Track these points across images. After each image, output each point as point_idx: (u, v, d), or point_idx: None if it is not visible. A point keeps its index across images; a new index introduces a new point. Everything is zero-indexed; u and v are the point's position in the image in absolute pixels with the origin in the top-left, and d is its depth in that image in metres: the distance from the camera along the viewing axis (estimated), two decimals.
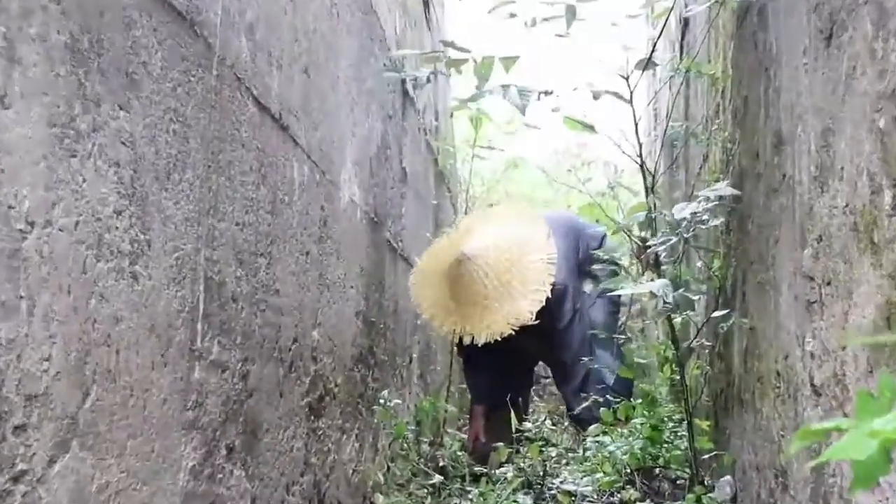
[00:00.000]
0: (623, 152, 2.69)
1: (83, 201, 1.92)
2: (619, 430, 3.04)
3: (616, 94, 2.64)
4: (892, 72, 1.29)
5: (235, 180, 2.71)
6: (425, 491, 3.52)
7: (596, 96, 2.65)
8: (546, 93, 2.93)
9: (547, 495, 2.73)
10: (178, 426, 2.31)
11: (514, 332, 4.39)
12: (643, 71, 2.74)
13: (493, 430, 4.70)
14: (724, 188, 2.42)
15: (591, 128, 2.87)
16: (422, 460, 3.85)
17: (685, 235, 2.47)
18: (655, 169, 2.83)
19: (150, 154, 2.21)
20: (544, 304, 4.38)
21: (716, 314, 2.53)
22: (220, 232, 2.56)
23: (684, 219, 2.43)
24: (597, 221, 4.34)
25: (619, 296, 4.70)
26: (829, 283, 1.63)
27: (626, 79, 2.67)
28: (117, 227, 2.04)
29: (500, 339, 4.44)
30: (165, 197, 2.27)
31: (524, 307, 4.35)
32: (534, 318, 4.34)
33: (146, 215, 2.19)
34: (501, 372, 5.07)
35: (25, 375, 1.73)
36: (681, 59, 3.45)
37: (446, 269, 4.59)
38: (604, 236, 4.79)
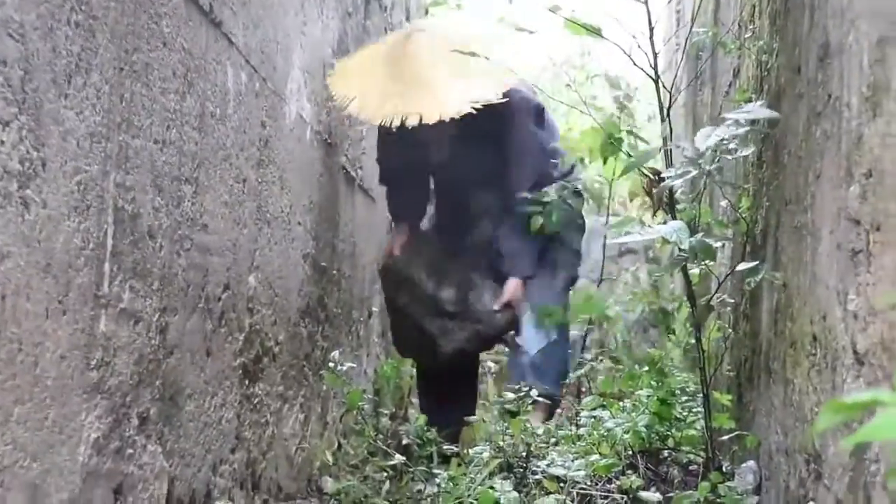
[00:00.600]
0: (634, 64, 2.68)
1: None
2: (621, 403, 3.06)
3: None
4: None
5: (154, 87, 2.68)
6: (384, 474, 3.54)
7: None
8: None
9: (531, 480, 2.75)
10: (78, 389, 2.30)
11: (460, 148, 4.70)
12: None
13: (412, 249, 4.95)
14: (758, 109, 2.42)
15: (597, 31, 2.86)
16: (380, 437, 3.87)
17: (708, 168, 2.46)
18: (674, 86, 2.82)
19: (45, 51, 2.18)
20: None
21: (742, 266, 2.54)
22: (135, 151, 2.54)
23: (708, 148, 2.43)
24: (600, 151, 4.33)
25: (573, 275, 4.87)
26: (878, 229, 1.63)
27: None
28: (3, 142, 2.02)
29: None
30: (65, 105, 2.24)
31: (489, 85, 4.29)
32: (500, 98, 4.30)
33: (40, 128, 2.16)
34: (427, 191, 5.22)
35: None
36: None
37: (387, 51, 4.54)
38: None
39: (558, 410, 4.65)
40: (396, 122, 4.18)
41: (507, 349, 4.94)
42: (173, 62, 2.78)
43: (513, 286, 4.67)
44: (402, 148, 4.78)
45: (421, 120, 4.15)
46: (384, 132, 4.73)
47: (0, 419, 2.04)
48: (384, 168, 5.12)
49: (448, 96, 4.25)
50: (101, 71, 2.34)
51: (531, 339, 4.54)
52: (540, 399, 3.79)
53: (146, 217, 2.61)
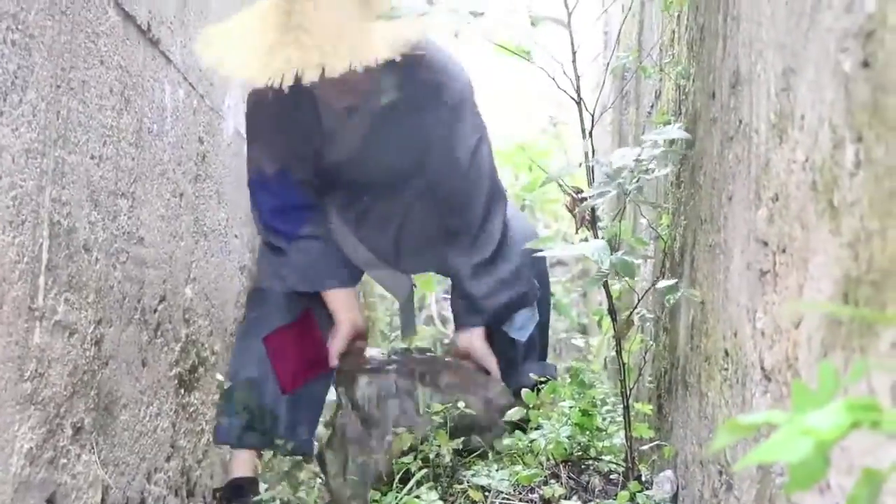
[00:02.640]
0: (558, 87, 2.70)
1: None
2: (546, 412, 3.07)
3: (556, 20, 2.64)
4: (860, 5, 1.31)
5: (91, 104, 2.66)
6: (317, 481, 3.53)
7: (534, 22, 2.65)
8: (476, 14, 2.93)
9: (457, 490, 2.76)
10: (11, 401, 2.28)
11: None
12: None
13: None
14: (675, 131, 2.44)
15: (526, 53, 2.87)
16: (316, 444, 3.85)
17: (627, 187, 2.48)
18: (597, 106, 2.84)
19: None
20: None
21: (662, 283, 2.56)
22: (71, 167, 2.52)
23: (625, 167, 2.45)
24: (529, 169, 4.29)
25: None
26: (783, 251, 1.66)
27: None
28: None
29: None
30: (1, 122, 2.23)
31: (416, 27, 2.95)
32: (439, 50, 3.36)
33: None
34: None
35: None
36: None
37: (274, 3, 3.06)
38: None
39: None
40: (289, 79, 2.82)
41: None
42: (110, 79, 2.76)
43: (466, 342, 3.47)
44: (292, 136, 3.32)
45: (324, 73, 2.83)
46: (261, 114, 3.31)
47: None
48: (259, 181, 3.35)
49: (362, 39, 2.93)
50: (38, 88, 2.32)
51: (520, 324, 3.48)
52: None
53: (82, 231, 2.60)
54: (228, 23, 3.15)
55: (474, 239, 3.39)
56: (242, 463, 3.37)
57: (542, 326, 3.68)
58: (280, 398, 3.34)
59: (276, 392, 3.33)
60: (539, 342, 3.65)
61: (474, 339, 3.44)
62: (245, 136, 3.59)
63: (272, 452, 3.46)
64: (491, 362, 3.41)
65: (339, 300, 3.37)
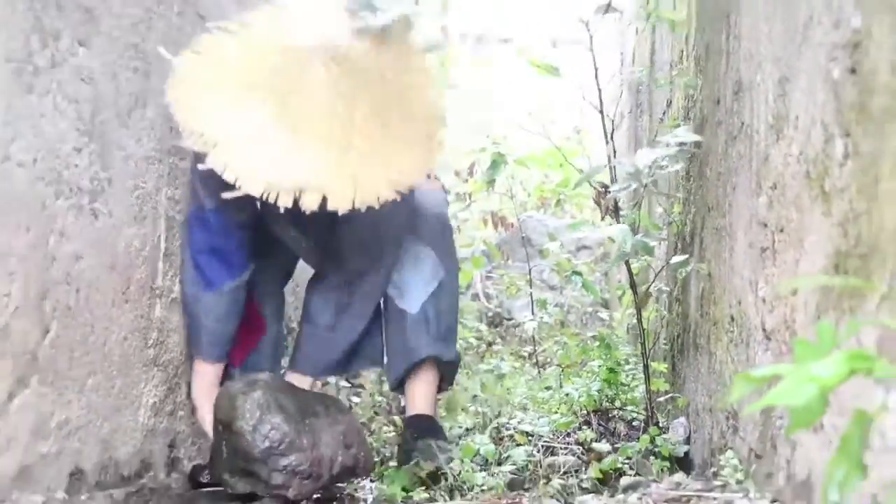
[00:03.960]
0: (584, 98, 2.70)
1: (42, 138, 1.90)
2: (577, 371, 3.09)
3: (575, 42, 2.65)
4: (847, 22, 1.30)
5: None
6: (391, 427, 3.52)
7: (554, 43, 2.67)
8: (506, 41, 2.93)
9: (504, 436, 2.77)
10: (139, 363, 2.31)
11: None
12: (605, 14, 2.73)
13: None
14: (685, 134, 2.43)
15: (555, 70, 2.87)
16: (384, 399, 3.84)
17: (645, 181, 2.48)
18: (616, 114, 2.84)
19: (110, 91, 2.18)
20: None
21: (674, 260, 2.56)
22: (182, 171, 2.54)
23: (645, 166, 2.44)
24: (560, 166, 4.25)
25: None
26: (781, 231, 1.65)
27: (586, 24, 2.68)
28: (77, 165, 2.03)
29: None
30: (126, 135, 2.25)
31: (418, 159, 2.35)
32: (431, 177, 2.70)
33: (106, 153, 2.17)
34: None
35: None
36: (646, 3, 3.45)
37: (275, 76, 2.26)
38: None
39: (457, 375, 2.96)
40: (284, 201, 2.11)
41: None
42: None
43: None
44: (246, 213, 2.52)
45: (324, 204, 2.13)
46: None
47: (77, 388, 2.05)
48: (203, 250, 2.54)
49: (366, 167, 2.22)
50: (155, 106, 2.34)
51: (412, 286, 2.71)
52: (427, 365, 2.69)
53: None
54: (211, 59, 2.30)
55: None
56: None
57: (448, 307, 2.79)
58: None
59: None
60: (441, 323, 2.75)
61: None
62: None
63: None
64: None
65: (202, 381, 2.58)
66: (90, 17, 2.06)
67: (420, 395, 2.72)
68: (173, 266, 2.49)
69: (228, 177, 2.12)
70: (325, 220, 2.40)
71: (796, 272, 1.55)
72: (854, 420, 0.97)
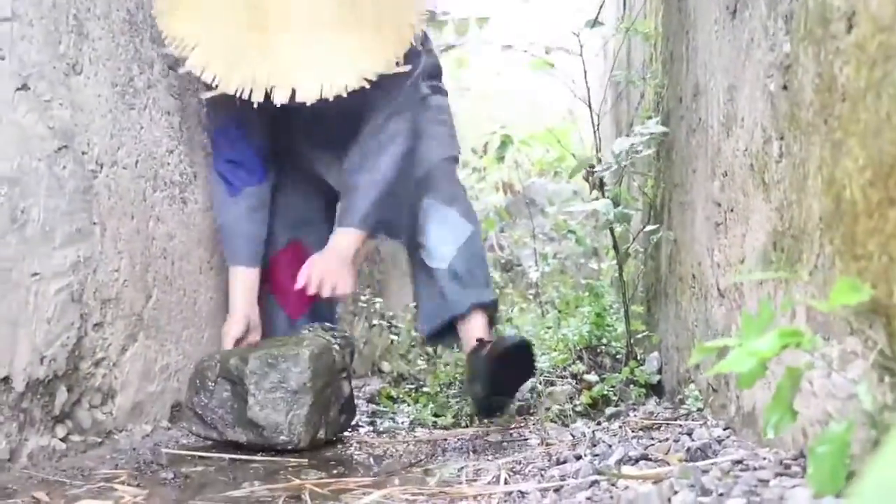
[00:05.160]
0: (575, 96, 2.71)
1: (141, 144, 1.94)
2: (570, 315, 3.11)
3: (566, 49, 2.65)
4: (780, 47, 1.31)
5: None
6: (424, 356, 3.48)
7: (547, 50, 2.68)
8: (506, 47, 2.94)
9: None
10: (222, 318, 2.37)
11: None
12: (592, 28, 2.73)
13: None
14: (654, 126, 2.44)
15: (550, 65, 2.88)
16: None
17: (624, 163, 2.49)
18: (602, 106, 2.84)
19: (193, 103, 2.22)
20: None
21: (648, 228, 2.57)
22: None
23: (622, 150, 2.46)
24: (558, 142, 4.21)
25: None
26: (731, 210, 1.66)
27: (578, 35, 2.68)
28: (169, 164, 2.07)
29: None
30: (206, 138, 2.29)
31: (387, 46, 2.15)
32: (402, 64, 2.18)
33: (192, 153, 2.21)
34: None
35: (101, 285, 1.78)
36: (624, 15, 3.43)
37: None
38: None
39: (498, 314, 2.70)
40: (257, 96, 2.02)
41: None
42: None
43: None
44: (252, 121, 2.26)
45: (294, 97, 2.04)
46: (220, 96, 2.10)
47: (175, 339, 2.10)
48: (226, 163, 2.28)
49: (334, 60, 2.08)
50: None
51: (439, 243, 2.43)
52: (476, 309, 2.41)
53: None
54: None
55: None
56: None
57: (478, 257, 2.52)
58: None
59: None
60: (475, 272, 2.48)
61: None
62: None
63: (390, 342, 3.42)
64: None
65: (238, 285, 2.29)
66: None
67: (479, 330, 2.41)
68: None
69: (207, 77, 2.02)
70: (325, 122, 2.30)
71: (743, 244, 1.57)
72: (786, 375, 1.00)
